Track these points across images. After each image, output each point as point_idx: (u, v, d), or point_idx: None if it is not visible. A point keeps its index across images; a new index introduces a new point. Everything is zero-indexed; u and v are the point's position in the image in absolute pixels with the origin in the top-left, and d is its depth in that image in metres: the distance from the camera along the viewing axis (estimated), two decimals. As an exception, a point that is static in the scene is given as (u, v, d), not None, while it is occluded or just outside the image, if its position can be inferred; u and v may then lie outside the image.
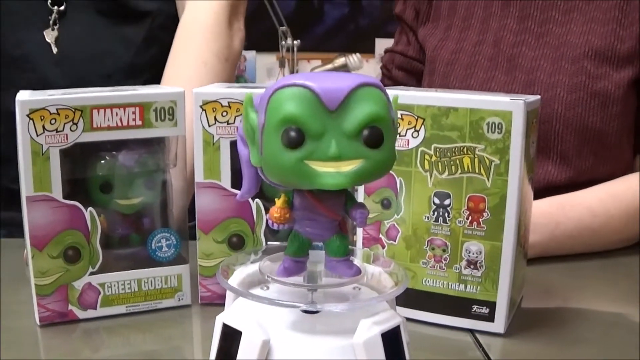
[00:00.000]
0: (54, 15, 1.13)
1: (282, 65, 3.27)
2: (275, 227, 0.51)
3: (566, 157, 1.04)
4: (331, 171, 0.47)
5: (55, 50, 1.13)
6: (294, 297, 0.52)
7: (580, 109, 1.03)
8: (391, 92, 0.50)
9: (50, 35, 1.13)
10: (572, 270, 0.94)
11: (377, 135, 0.47)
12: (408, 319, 0.55)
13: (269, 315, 0.51)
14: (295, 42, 3.23)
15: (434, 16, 1.23)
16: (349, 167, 0.47)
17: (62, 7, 1.14)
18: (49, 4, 1.13)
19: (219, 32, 1.11)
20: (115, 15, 1.16)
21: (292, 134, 0.47)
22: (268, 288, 0.54)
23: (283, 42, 3.23)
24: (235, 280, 0.53)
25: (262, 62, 3.66)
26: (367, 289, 0.54)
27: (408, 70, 1.30)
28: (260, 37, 3.50)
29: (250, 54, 3.61)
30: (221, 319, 0.50)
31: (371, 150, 0.47)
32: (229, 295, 0.54)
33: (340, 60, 3.20)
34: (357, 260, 0.55)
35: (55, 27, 1.13)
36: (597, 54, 1.04)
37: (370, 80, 0.49)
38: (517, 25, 1.10)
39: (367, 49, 3.69)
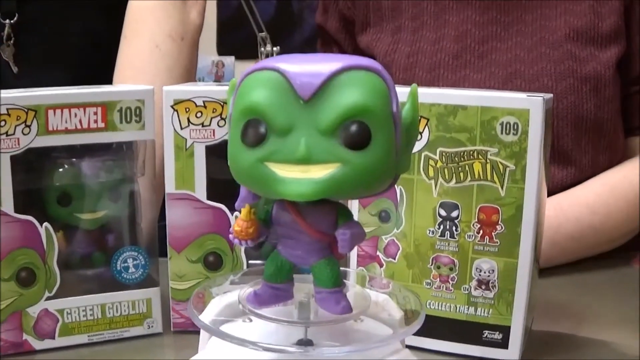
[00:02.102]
0: (6, 29, 1.04)
1: (261, 72, 3.22)
2: (237, 242, 0.43)
3: (565, 153, 0.99)
4: (297, 177, 0.39)
5: (15, 69, 1.04)
6: (283, 336, 0.43)
7: (573, 98, 0.98)
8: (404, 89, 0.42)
9: (7, 53, 1.05)
10: (581, 285, 0.89)
11: (359, 133, 0.39)
12: (411, 347, 0.46)
13: (253, 358, 0.42)
14: (274, 48, 3.18)
15: (375, 20, 1.12)
16: (320, 172, 0.39)
17: (13, 20, 1.05)
18: None
19: (170, 8, 1.01)
20: (82, 9, 1.08)
21: (250, 128, 0.39)
22: (251, 320, 0.45)
23: (262, 49, 3.17)
24: (211, 312, 0.45)
25: (240, 69, 3.61)
26: (371, 321, 0.45)
27: None
28: (238, 44, 3.45)
29: (228, 60, 3.56)
30: (194, 364, 0.41)
31: (352, 152, 0.39)
32: (204, 332, 0.45)
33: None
34: (354, 288, 0.46)
35: (10, 42, 1.05)
36: (579, 34, 0.98)
37: (362, 63, 0.40)
38: (480, 17, 1.02)
39: (347, 56, 3.66)
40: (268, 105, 0.40)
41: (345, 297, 0.43)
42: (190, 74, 1.02)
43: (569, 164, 0.99)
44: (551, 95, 0.67)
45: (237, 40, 3.56)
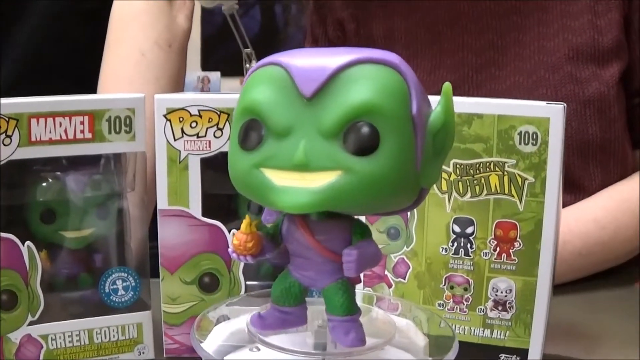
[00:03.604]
0: None
1: (246, 89, 3.23)
2: (235, 257, 0.40)
3: (573, 180, 0.96)
4: (292, 186, 0.35)
5: None
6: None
7: (576, 123, 0.95)
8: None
9: None
10: (590, 303, 0.87)
11: (365, 136, 0.35)
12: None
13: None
14: (260, 64, 3.20)
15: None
16: (319, 181, 0.35)
17: None
18: None
19: (156, 13, 0.98)
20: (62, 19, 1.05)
21: (247, 130, 0.36)
22: (259, 349, 0.41)
23: (247, 65, 3.17)
24: (215, 339, 0.40)
25: (226, 86, 3.61)
26: (395, 350, 0.41)
27: None
28: (223, 61, 3.44)
29: (214, 76, 3.55)
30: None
31: (356, 158, 0.35)
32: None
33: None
34: (377, 312, 0.42)
35: None
36: (579, 53, 0.95)
37: (376, 56, 0.36)
38: (476, 41, 0.99)
39: (333, 72, 3.69)
40: (266, 104, 0.36)
41: (358, 326, 0.39)
42: (179, 84, 0.99)
43: (578, 190, 0.96)
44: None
45: (221, 56, 3.56)
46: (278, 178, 0.36)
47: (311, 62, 0.36)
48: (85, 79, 0.96)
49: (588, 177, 0.96)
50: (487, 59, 0.98)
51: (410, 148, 0.37)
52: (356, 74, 0.36)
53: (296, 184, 0.36)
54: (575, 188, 0.96)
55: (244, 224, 0.40)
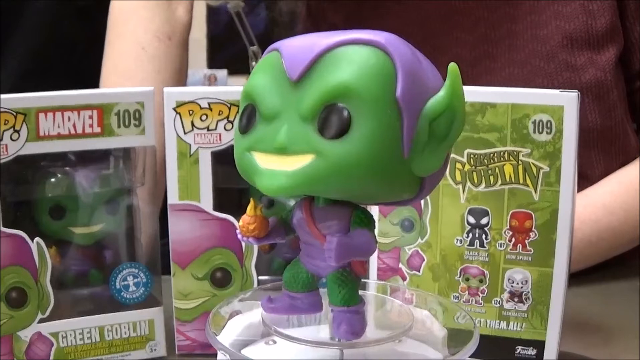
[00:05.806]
0: None
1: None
2: (240, 237, 0.40)
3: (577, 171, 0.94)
4: (273, 169, 0.36)
5: None
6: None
7: None
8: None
9: None
10: (604, 296, 0.86)
11: (334, 118, 0.35)
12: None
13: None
14: (266, 62, 3.19)
15: None
16: (295, 164, 0.35)
17: None
18: None
19: (155, 6, 0.97)
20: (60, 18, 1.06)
21: (244, 114, 0.37)
22: (275, 342, 0.41)
23: (254, 63, 3.16)
24: (230, 333, 0.40)
25: (233, 83, 3.60)
26: (412, 342, 0.40)
27: None
28: (230, 60, 3.43)
29: (221, 73, 3.55)
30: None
31: (327, 141, 0.35)
32: (221, 355, 0.41)
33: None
34: (394, 303, 0.41)
35: None
36: (573, 40, 0.93)
37: (363, 37, 0.36)
38: (469, 35, 0.98)
39: (340, 69, 3.68)
40: (259, 88, 0.37)
41: (354, 319, 0.39)
42: (181, 77, 0.98)
43: (581, 178, 0.94)
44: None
45: (227, 55, 3.56)
46: (263, 161, 0.37)
47: (300, 45, 0.36)
48: (85, 76, 0.96)
49: (590, 165, 0.95)
50: (481, 52, 0.97)
51: (391, 133, 0.36)
52: (339, 56, 0.35)
53: (276, 167, 0.36)
54: (582, 179, 0.94)
55: (249, 207, 0.40)
